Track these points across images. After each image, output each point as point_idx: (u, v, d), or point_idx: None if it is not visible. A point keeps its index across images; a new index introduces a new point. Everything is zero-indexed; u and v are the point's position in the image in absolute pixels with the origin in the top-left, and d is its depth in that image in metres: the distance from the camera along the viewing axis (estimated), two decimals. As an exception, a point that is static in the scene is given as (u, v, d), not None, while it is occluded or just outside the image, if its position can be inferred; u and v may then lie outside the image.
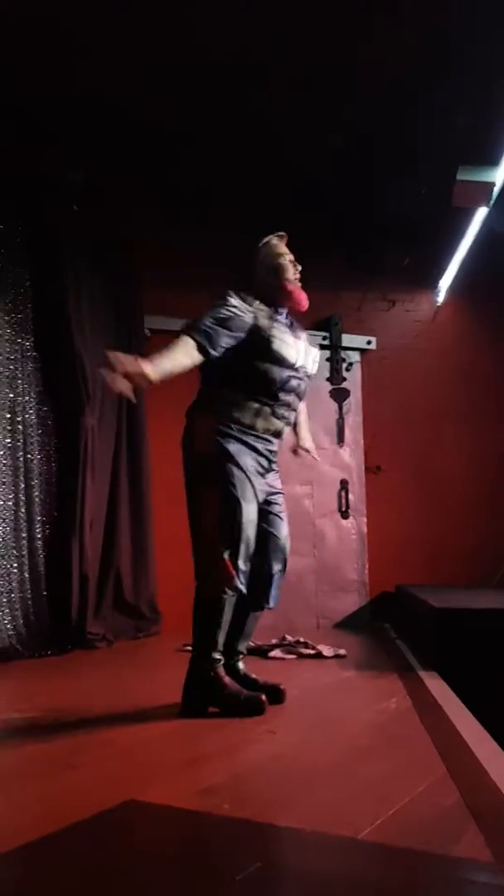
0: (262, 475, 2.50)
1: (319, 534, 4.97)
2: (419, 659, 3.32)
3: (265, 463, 2.52)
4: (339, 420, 5.08)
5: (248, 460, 2.42)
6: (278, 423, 2.53)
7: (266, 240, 2.63)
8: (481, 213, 4.28)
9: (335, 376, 5.14)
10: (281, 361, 2.46)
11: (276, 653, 3.60)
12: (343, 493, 5.02)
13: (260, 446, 2.47)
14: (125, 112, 3.97)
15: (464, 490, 5.17)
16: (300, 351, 2.55)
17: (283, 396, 2.49)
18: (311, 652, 3.64)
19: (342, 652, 3.64)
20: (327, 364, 5.15)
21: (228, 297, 2.41)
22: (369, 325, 5.28)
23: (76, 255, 4.31)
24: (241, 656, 2.61)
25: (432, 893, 1.11)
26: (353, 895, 1.14)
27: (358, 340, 5.21)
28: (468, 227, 4.50)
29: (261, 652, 3.64)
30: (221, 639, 2.38)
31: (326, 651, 3.63)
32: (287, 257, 2.60)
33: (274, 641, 3.79)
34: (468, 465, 5.21)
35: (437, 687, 2.69)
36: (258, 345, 2.42)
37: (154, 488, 4.65)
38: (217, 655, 2.38)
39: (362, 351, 5.21)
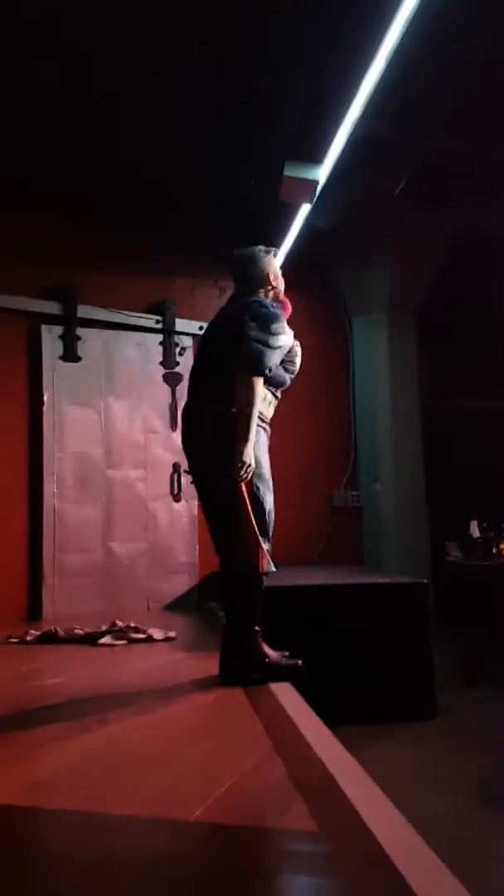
0: None
1: (152, 517, 5.00)
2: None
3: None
4: (172, 404, 5.11)
5: (266, 450, 2.74)
6: (272, 410, 2.85)
7: (264, 251, 2.92)
8: (306, 209, 4.46)
9: (168, 360, 5.16)
10: (294, 363, 2.87)
11: (106, 639, 3.58)
12: (175, 477, 5.06)
13: (266, 436, 2.77)
14: None
15: (283, 474, 5.39)
16: None
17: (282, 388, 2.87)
18: (142, 636, 3.66)
19: (172, 634, 3.69)
20: (160, 348, 5.16)
21: (281, 324, 2.71)
22: (201, 311, 5.33)
23: None
24: None
25: (259, 866, 1.20)
26: (185, 876, 1.20)
27: (191, 325, 5.25)
28: (294, 221, 4.68)
29: (90, 639, 3.61)
30: (259, 613, 2.60)
31: (157, 634, 3.68)
32: (279, 272, 2.96)
33: (104, 628, 3.77)
34: (287, 451, 5.45)
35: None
36: (287, 356, 2.80)
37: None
38: (257, 628, 2.60)
39: (194, 336, 5.25)
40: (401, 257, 5.50)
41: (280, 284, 2.93)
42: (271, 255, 2.95)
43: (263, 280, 2.87)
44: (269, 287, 2.88)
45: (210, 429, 2.64)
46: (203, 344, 2.97)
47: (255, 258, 2.90)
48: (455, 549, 4.77)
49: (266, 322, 2.64)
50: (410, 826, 1.30)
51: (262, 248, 2.94)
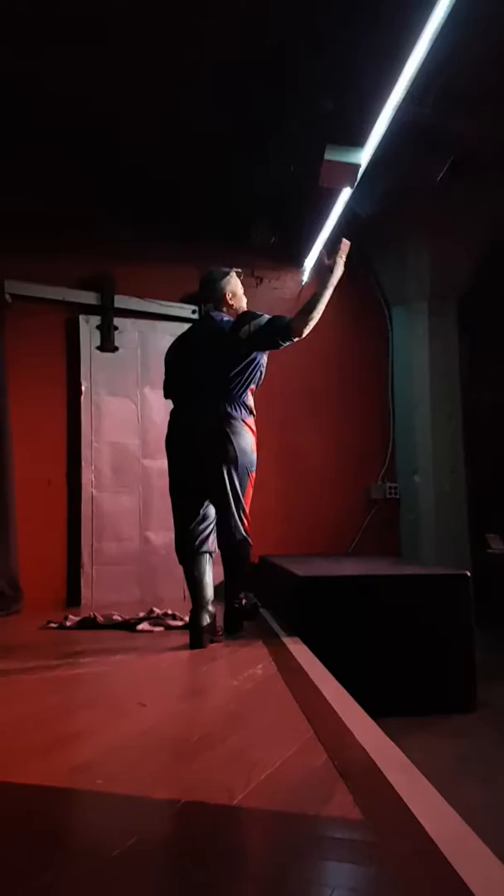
0: None
1: (187, 507, 4.99)
2: (282, 625, 3.45)
3: None
4: (208, 394, 5.10)
5: None
6: None
7: (230, 272, 3.31)
8: (345, 194, 4.39)
9: (204, 350, 5.15)
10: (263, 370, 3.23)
11: (143, 626, 3.60)
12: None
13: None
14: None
15: (320, 465, 5.40)
16: None
17: None
18: (179, 623, 3.67)
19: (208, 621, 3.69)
20: (196, 337, 5.15)
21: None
22: (238, 300, 5.33)
23: None
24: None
25: (303, 853, 1.18)
26: (227, 860, 1.18)
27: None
28: (333, 207, 4.61)
29: (128, 626, 3.64)
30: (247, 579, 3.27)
31: (194, 622, 3.67)
32: (242, 290, 3.34)
33: (141, 615, 3.80)
34: (324, 442, 5.43)
35: (300, 652, 2.80)
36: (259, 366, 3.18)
37: (16, 468, 4.54)
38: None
39: (230, 325, 5.24)
40: (442, 244, 5.39)
41: (238, 302, 3.28)
42: (229, 275, 3.29)
43: (220, 299, 3.25)
44: (225, 305, 3.25)
45: (225, 437, 3.05)
46: (186, 363, 3.22)
47: (212, 279, 3.29)
48: (497, 542, 4.69)
49: (248, 317, 3.08)
50: (458, 816, 1.26)
51: (224, 269, 3.32)
